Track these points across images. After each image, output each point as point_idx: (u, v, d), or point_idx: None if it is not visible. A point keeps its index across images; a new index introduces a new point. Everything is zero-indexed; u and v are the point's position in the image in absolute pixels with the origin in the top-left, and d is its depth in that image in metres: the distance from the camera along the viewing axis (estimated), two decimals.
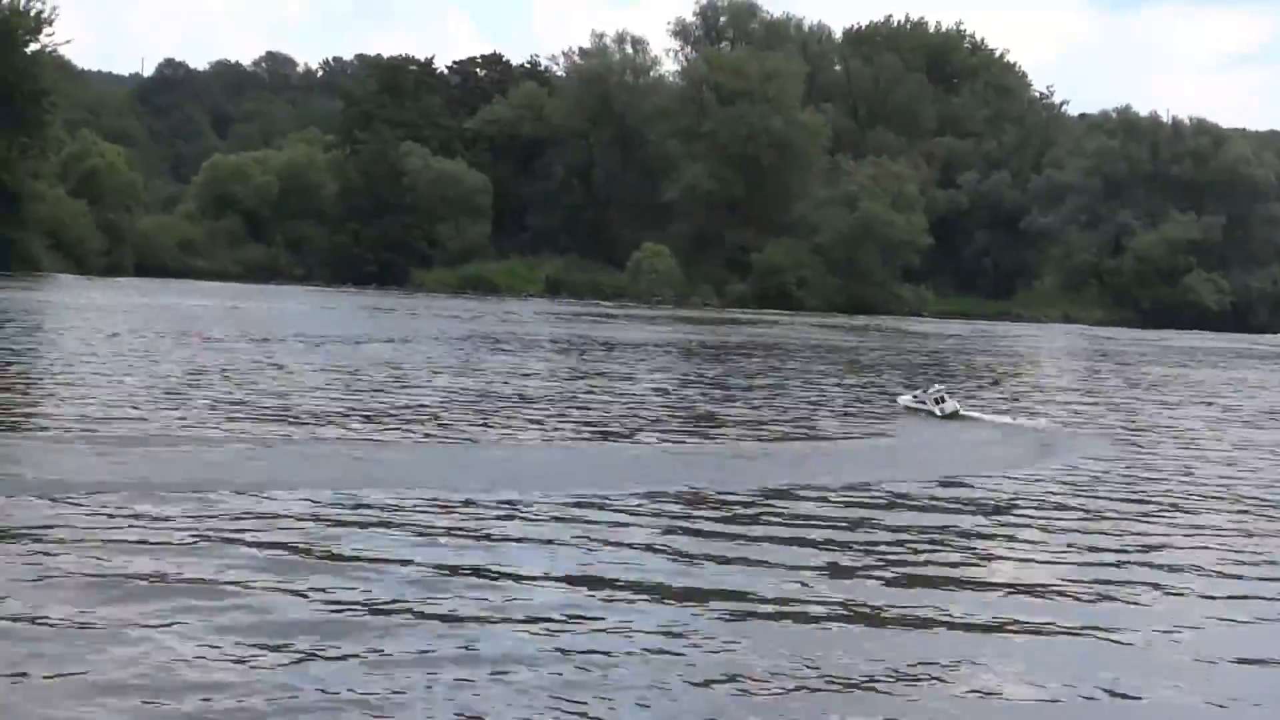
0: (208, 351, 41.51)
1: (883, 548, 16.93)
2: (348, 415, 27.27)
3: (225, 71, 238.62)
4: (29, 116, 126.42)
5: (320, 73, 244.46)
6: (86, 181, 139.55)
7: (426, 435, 25.11)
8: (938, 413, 34.93)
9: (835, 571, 15.48)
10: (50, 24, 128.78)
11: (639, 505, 18.78)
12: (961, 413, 35.13)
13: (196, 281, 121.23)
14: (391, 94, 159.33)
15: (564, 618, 12.72)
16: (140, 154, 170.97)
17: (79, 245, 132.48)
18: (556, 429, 27.35)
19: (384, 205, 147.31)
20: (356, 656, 11.29)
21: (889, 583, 15.12)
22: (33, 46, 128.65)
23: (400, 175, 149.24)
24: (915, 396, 36.81)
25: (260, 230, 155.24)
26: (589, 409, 31.42)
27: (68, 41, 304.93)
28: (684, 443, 26.77)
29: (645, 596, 13.72)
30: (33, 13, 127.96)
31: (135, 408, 26.38)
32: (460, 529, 16.50)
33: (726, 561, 15.45)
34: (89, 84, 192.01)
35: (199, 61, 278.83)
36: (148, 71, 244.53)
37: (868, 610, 13.75)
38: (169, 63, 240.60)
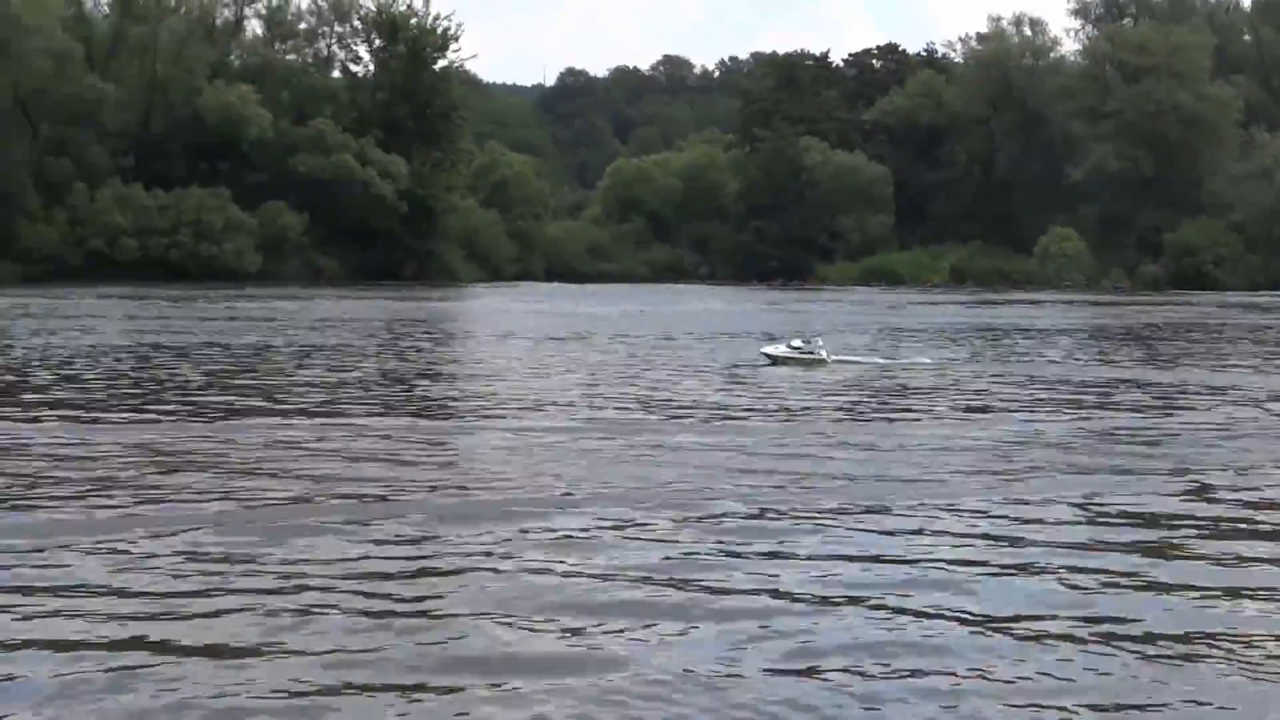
0: (663, 355, 41.83)
1: None
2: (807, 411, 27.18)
3: (624, 77, 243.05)
4: (440, 131, 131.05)
5: (717, 73, 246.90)
6: (497, 192, 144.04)
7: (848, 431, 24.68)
8: (826, 358, 36.63)
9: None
10: (456, 40, 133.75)
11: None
12: (831, 359, 36.98)
13: (607, 285, 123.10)
14: (789, 90, 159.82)
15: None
16: (546, 162, 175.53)
17: (492, 254, 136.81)
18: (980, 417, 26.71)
19: (785, 201, 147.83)
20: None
21: None
22: (440, 63, 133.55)
23: (800, 170, 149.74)
24: (795, 347, 37.22)
25: (664, 231, 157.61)
26: (1022, 399, 30.70)
27: (473, 56, 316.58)
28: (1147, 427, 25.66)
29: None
30: (439, 30, 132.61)
31: (599, 412, 26.77)
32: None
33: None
34: (494, 96, 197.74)
35: (598, 69, 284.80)
36: (549, 81, 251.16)
37: None
38: (570, 71, 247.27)
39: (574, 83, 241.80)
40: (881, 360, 38.63)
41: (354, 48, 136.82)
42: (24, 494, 16.29)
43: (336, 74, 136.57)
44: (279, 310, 65.75)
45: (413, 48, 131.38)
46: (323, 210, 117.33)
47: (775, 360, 36.83)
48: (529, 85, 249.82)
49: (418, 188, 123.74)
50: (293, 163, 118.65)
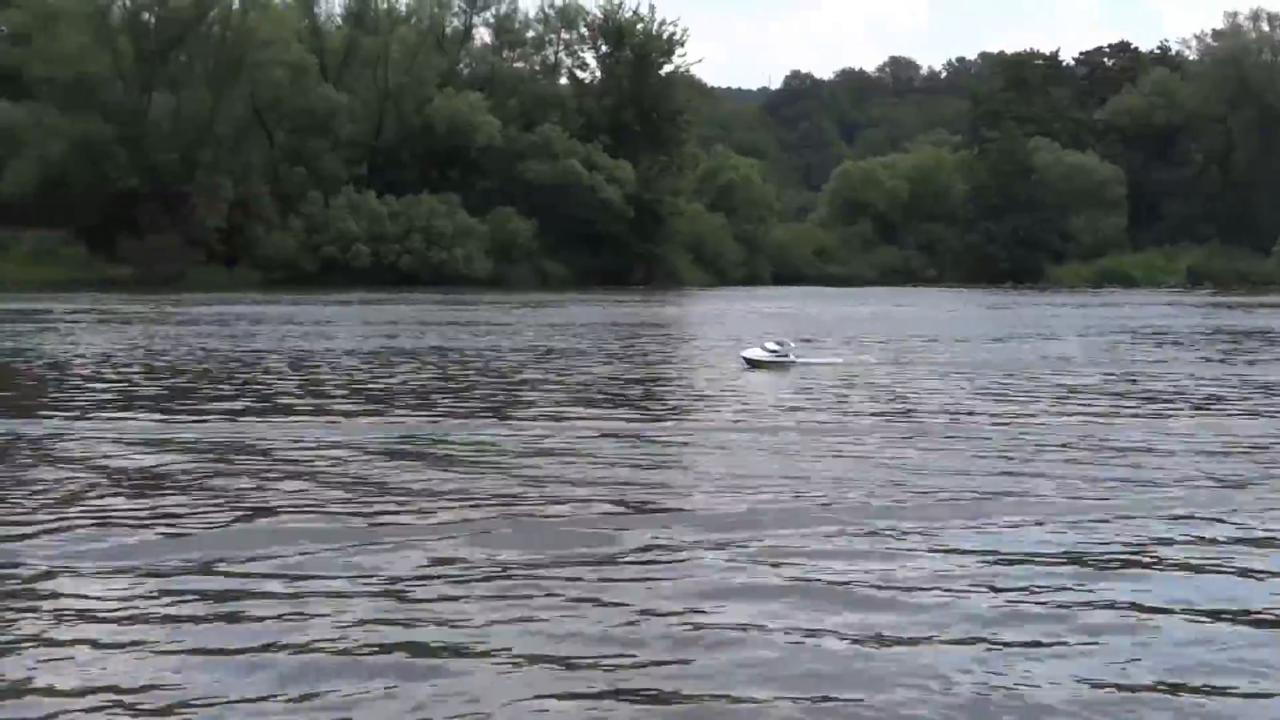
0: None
1: None
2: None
3: (850, 79, 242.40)
4: (666, 136, 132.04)
5: (944, 74, 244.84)
6: (723, 195, 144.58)
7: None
8: (794, 358, 36.23)
9: None
10: (682, 45, 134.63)
11: None
12: (797, 360, 36.46)
13: (835, 288, 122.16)
14: (1018, 89, 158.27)
15: None
16: (771, 165, 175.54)
17: (719, 258, 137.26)
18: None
19: (1014, 202, 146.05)
20: None
21: None
22: (666, 68, 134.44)
23: (1030, 171, 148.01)
24: (771, 350, 36.42)
25: (891, 233, 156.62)
26: None
27: (699, 61, 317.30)
28: None
29: None
30: (665, 35, 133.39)
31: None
32: None
33: None
34: (720, 101, 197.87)
35: (824, 72, 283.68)
36: (775, 85, 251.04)
37: None
38: (795, 75, 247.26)
39: (799, 86, 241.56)
40: (826, 359, 38.42)
41: (580, 54, 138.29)
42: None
43: (563, 80, 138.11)
44: (567, 315, 66.42)
45: (639, 53, 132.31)
46: (551, 215, 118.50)
47: (754, 364, 36.30)
48: (754, 89, 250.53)
49: (644, 192, 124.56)
50: (521, 169, 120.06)
